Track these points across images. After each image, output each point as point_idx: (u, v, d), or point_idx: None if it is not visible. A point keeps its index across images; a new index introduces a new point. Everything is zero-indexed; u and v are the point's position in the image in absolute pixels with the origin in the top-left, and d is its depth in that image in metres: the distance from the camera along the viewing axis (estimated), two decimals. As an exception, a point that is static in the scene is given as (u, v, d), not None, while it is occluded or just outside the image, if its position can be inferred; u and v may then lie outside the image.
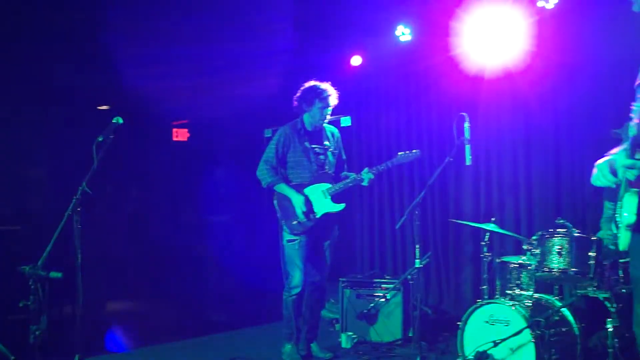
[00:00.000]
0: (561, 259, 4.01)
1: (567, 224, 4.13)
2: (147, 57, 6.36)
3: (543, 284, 4.41)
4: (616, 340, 3.78)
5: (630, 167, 2.45)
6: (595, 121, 4.94)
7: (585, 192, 5.10)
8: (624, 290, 3.96)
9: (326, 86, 4.74)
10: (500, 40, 5.52)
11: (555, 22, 5.24)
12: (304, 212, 4.64)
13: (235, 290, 7.19)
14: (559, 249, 4.03)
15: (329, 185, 4.73)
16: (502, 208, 5.73)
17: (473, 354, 4.01)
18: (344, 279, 5.57)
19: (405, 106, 6.58)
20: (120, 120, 3.60)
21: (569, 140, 5.32)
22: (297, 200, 4.65)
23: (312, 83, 4.77)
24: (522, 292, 4.29)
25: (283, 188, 4.72)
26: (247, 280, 7.09)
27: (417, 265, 4.54)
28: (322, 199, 4.70)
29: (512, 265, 4.40)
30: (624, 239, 2.53)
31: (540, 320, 3.91)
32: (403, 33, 6.25)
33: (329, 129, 4.93)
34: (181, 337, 5.72)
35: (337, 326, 5.63)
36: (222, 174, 8.01)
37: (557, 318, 4.06)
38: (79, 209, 3.43)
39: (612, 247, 3.91)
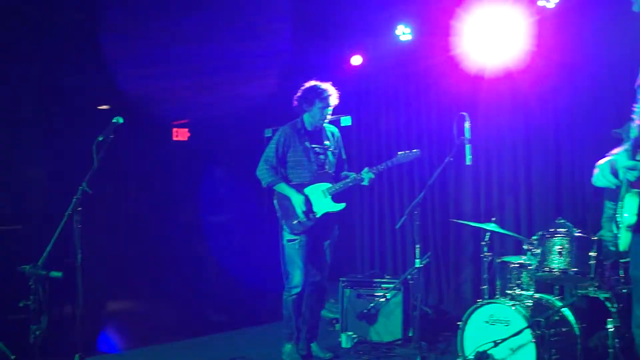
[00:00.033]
0: (562, 259, 4.01)
1: (568, 223, 4.13)
2: (147, 57, 6.36)
3: (543, 284, 4.41)
4: (617, 340, 3.78)
5: (631, 169, 2.46)
6: (595, 121, 4.94)
7: (586, 192, 5.09)
8: (624, 291, 3.95)
9: (327, 86, 4.74)
10: (501, 40, 5.52)
11: (555, 22, 5.23)
12: (304, 212, 4.63)
13: (235, 290, 7.19)
14: (560, 249, 4.03)
15: (329, 185, 4.72)
16: (502, 208, 5.73)
17: (473, 354, 4.01)
18: (344, 279, 5.57)
19: (406, 106, 6.58)
20: (121, 120, 3.60)
21: (569, 140, 5.31)
22: (297, 200, 4.65)
23: (312, 83, 4.77)
24: (523, 292, 4.29)
25: (283, 187, 4.72)
26: (247, 280, 7.08)
27: (417, 265, 4.54)
28: (322, 199, 4.70)
29: (513, 265, 4.40)
30: (624, 240, 2.55)
31: (540, 320, 3.91)
32: (403, 33, 6.24)
33: (329, 128, 4.93)
34: (181, 337, 5.72)
35: (337, 326, 5.63)
36: (222, 174, 8.01)
37: (557, 318, 4.06)
38: (79, 209, 3.43)
39: (612, 248, 3.91)
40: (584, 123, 5.13)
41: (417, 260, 4.51)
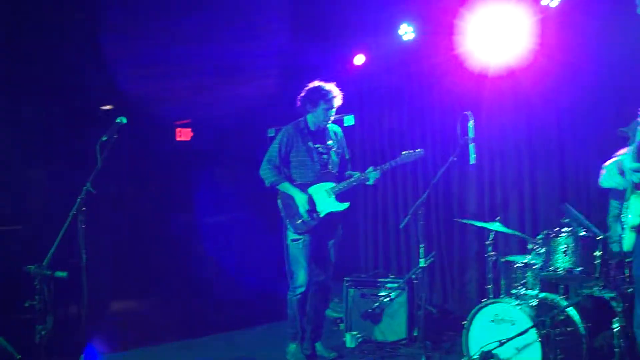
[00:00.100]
0: (566, 258, 4.01)
1: (573, 222, 4.12)
2: (149, 57, 6.36)
3: (548, 284, 4.41)
4: (622, 340, 3.77)
5: (637, 170, 2.47)
6: (598, 119, 4.93)
7: (590, 191, 5.08)
8: (630, 290, 3.93)
9: (331, 87, 4.73)
10: (504, 39, 5.51)
11: (559, 21, 5.23)
12: (307, 211, 4.63)
13: (239, 290, 7.19)
14: (565, 248, 4.02)
15: (333, 185, 4.72)
16: (506, 207, 5.72)
17: (478, 353, 4.01)
18: (348, 278, 5.56)
19: (409, 105, 6.57)
20: (124, 120, 3.60)
21: (573, 139, 5.31)
22: (301, 199, 4.64)
23: (316, 84, 4.75)
24: (528, 292, 4.28)
25: (287, 187, 4.71)
26: (251, 280, 7.08)
27: (421, 265, 4.54)
28: (325, 198, 4.69)
29: (517, 265, 4.39)
30: (628, 240, 2.57)
31: (545, 319, 3.90)
32: (406, 32, 6.24)
33: (332, 128, 4.93)
34: (185, 337, 5.72)
35: (342, 325, 5.62)
36: (225, 174, 8.01)
37: (562, 318, 4.05)
38: (83, 209, 3.42)
39: (616, 248, 3.90)
40: (588, 121, 5.12)
41: (422, 260, 4.50)
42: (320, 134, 4.84)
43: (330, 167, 4.80)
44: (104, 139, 3.52)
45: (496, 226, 4.62)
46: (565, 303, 4.18)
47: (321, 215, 4.67)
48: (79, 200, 3.41)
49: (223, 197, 7.96)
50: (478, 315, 4.21)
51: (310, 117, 4.80)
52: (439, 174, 4.63)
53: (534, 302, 4.13)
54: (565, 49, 5.13)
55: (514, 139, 5.69)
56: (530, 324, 3.88)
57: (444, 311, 6.07)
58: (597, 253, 3.92)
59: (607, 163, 2.60)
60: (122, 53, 6.21)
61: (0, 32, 5.71)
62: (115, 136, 3.55)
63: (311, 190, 4.70)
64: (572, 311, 4.12)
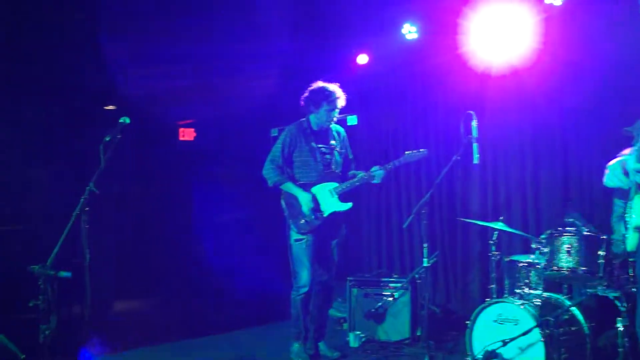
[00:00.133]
0: (570, 258, 4.00)
1: (576, 222, 4.11)
2: (153, 57, 6.36)
3: (552, 283, 4.39)
4: (626, 339, 3.77)
5: None
6: (602, 119, 4.92)
7: (594, 190, 5.07)
8: (634, 289, 3.93)
9: (334, 88, 4.72)
10: (508, 38, 5.50)
11: (563, 20, 5.21)
12: (311, 210, 4.63)
13: (241, 290, 7.19)
14: (568, 247, 4.02)
15: (336, 185, 4.72)
16: (509, 206, 5.71)
17: (482, 353, 4.00)
18: (351, 278, 5.56)
19: (412, 105, 6.56)
20: (128, 120, 3.60)
21: (576, 138, 5.29)
22: (304, 198, 4.64)
23: (320, 84, 4.75)
24: (531, 291, 4.27)
25: (290, 187, 4.71)
26: (254, 280, 7.08)
27: (424, 264, 4.53)
28: (329, 198, 4.69)
29: (521, 264, 4.38)
30: (631, 240, 2.57)
31: (549, 319, 3.89)
32: (409, 31, 6.23)
33: (335, 128, 4.92)
34: (188, 337, 5.73)
35: (345, 325, 5.62)
36: (228, 173, 8.01)
37: (566, 317, 4.05)
38: (86, 209, 3.42)
39: (619, 249, 3.89)
40: (591, 121, 5.10)
41: (425, 260, 4.50)
42: (323, 134, 4.84)
43: (333, 167, 4.80)
44: (108, 139, 3.52)
45: (499, 226, 4.61)
46: (569, 302, 4.17)
47: (324, 215, 4.67)
48: (82, 200, 3.41)
49: (226, 196, 7.96)
50: (481, 315, 4.20)
51: (313, 118, 4.80)
52: (442, 174, 4.61)
53: (538, 302, 4.12)
54: (569, 48, 5.12)
55: (518, 138, 5.68)
56: (534, 323, 3.87)
57: (447, 311, 6.06)
58: (601, 252, 3.91)
59: (611, 163, 2.60)
60: (123, 53, 6.20)
61: (0, 32, 5.71)
62: (119, 136, 3.55)
63: (314, 190, 4.70)
64: (575, 310, 4.12)
